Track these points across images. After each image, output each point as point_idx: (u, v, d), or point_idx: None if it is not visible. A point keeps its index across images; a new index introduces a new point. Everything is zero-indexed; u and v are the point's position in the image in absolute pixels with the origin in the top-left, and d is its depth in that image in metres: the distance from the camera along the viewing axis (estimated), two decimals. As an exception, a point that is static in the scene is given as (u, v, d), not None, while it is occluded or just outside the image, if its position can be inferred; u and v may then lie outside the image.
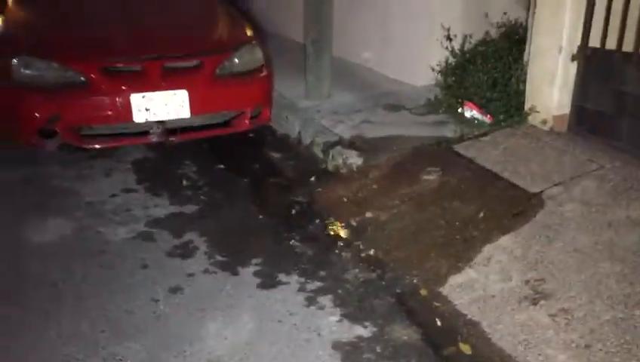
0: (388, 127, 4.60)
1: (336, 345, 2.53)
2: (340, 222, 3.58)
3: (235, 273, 3.06)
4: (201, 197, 3.92)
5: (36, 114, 3.89)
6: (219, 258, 3.19)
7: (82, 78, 3.91)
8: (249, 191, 4.03)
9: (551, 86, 4.04)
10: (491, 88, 4.54)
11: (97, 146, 4.05)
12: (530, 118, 4.23)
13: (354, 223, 3.55)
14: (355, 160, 4.11)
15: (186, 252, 3.25)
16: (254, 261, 3.16)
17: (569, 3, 3.83)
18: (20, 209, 3.67)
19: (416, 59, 5.44)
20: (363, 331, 2.63)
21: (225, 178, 4.24)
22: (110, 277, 2.99)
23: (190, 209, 3.75)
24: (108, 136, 4.06)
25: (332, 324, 2.67)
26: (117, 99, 3.90)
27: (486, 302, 2.75)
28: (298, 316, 2.72)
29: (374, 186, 3.88)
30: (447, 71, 5.02)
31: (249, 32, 4.57)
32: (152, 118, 3.99)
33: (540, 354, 2.42)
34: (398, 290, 2.93)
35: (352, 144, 4.33)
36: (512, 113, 4.35)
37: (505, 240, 3.14)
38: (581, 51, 3.92)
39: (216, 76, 4.18)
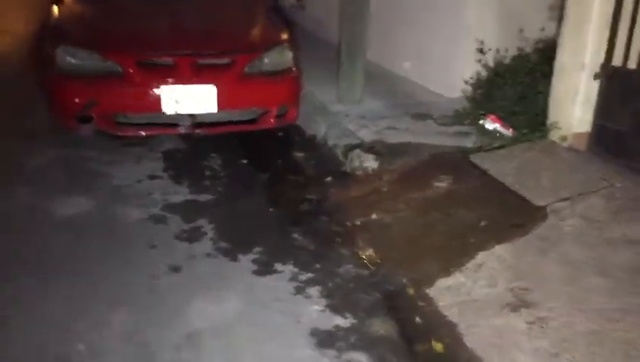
0: (410, 135, 4.68)
1: (314, 332, 2.65)
2: (345, 221, 3.67)
3: (235, 259, 3.22)
4: (219, 188, 4.11)
5: (74, 99, 4.16)
6: (222, 244, 3.36)
7: (119, 69, 4.16)
8: (266, 186, 4.19)
9: (572, 103, 4.04)
10: (516, 102, 4.55)
11: (129, 134, 4.29)
12: (551, 133, 4.23)
13: (358, 223, 3.65)
14: (371, 163, 4.21)
15: (193, 236, 3.43)
16: (255, 249, 3.31)
17: (593, 21, 3.83)
18: (52, 186, 3.94)
19: (451, 71, 5.50)
20: (342, 321, 2.74)
21: (246, 172, 4.42)
22: (117, 252, 3.20)
23: (206, 197, 3.94)
24: (140, 125, 4.29)
25: (314, 313, 2.79)
26: (148, 90, 4.14)
27: (468, 305, 2.81)
28: (283, 302, 2.85)
29: (385, 189, 3.97)
30: (477, 84, 5.05)
31: (284, 35, 4.73)
32: (181, 111, 4.21)
33: (508, 358, 2.46)
34: (386, 287, 3.01)
35: (371, 148, 4.43)
36: (534, 128, 4.35)
37: (500, 249, 3.18)
38: (603, 70, 3.91)
39: (245, 74, 4.36)
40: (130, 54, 4.19)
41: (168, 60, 4.25)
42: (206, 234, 3.46)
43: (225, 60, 4.34)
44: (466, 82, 5.24)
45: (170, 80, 4.16)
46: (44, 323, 2.61)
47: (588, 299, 2.75)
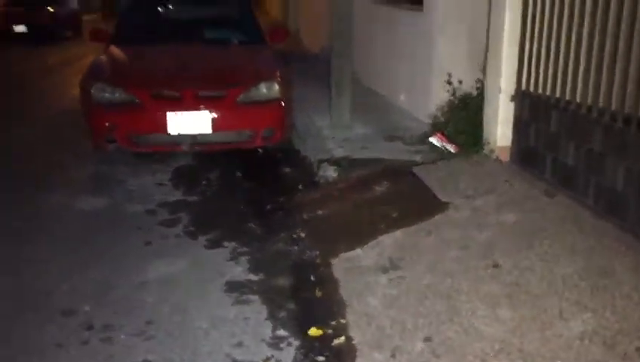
0: (377, 152, 5.58)
1: (229, 282, 3.59)
2: (296, 216, 4.61)
3: (195, 238, 4.23)
4: (208, 192, 5.17)
5: (103, 124, 5.39)
6: (191, 228, 4.38)
7: (137, 101, 5.36)
8: (247, 191, 5.20)
9: (495, 122, 4.82)
10: (465, 124, 5.36)
11: (142, 150, 5.47)
12: (484, 149, 5.00)
13: (305, 217, 4.58)
14: (331, 173, 5.15)
15: (171, 223, 4.48)
16: (213, 233, 4.30)
17: (504, 51, 4.63)
18: (82, 190, 5.15)
19: (428, 100, 6.35)
20: (254, 277, 3.66)
21: (236, 182, 5.46)
22: (112, 231, 4.30)
23: (194, 198, 5.00)
24: (151, 143, 5.46)
25: (236, 272, 3.73)
26: (158, 116, 5.30)
27: (354, 269, 3.66)
28: (217, 265, 3.81)
29: (335, 193, 4.88)
30: (441, 110, 5.88)
31: (273, 73, 5.79)
32: (183, 132, 5.33)
33: (362, 301, 3.30)
34: (301, 258, 3.92)
35: (337, 162, 5.36)
36: (474, 144, 5.14)
37: (398, 233, 4.01)
38: (517, 94, 4.69)
39: (236, 103, 5.45)
40: (146, 89, 5.38)
41: (175, 93, 5.40)
42: (181, 222, 4.50)
43: (220, 93, 5.45)
44: (437, 109, 6.06)
45: (175, 108, 5.30)
46: (54, 269, 3.71)
47: (442, 264, 3.54)
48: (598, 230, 3.64)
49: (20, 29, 17.05)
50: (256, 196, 5.08)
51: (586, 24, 3.82)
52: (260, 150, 5.99)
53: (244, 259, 3.91)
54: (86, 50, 6.37)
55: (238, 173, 5.65)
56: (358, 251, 3.86)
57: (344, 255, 3.85)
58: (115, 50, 6.27)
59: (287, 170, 5.76)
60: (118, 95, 5.42)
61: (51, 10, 17.99)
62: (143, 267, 3.77)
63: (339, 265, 3.72)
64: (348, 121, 6.38)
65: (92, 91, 5.46)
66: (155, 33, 6.60)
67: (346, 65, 6.19)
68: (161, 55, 6.12)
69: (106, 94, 5.44)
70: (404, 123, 6.55)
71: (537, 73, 4.38)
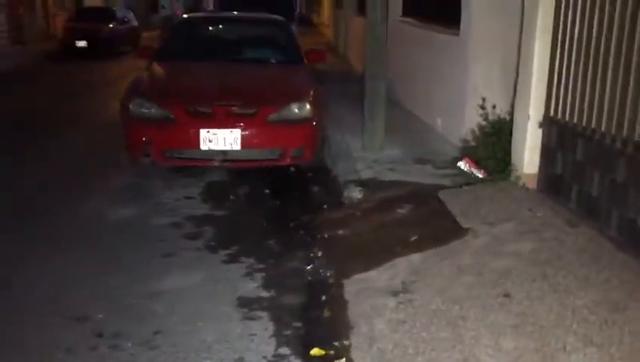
0: (404, 175, 5.58)
1: (240, 298, 3.65)
2: (317, 235, 4.66)
3: (215, 252, 4.32)
4: (234, 208, 5.26)
5: (139, 138, 5.57)
6: (212, 243, 4.48)
7: (172, 116, 5.53)
8: (272, 209, 5.28)
9: (522, 148, 4.76)
10: (496, 150, 5.32)
11: (175, 164, 5.63)
12: (511, 175, 4.95)
13: (326, 236, 4.61)
14: (356, 194, 5.17)
15: (194, 236, 4.58)
16: (233, 248, 4.38)
17: (534, 77, 4.59)
18: (115, 201, 5.32)
19: (463, 124, 6.32)
20: (265, 294, 3.71)
21: (263, 198, 5.54)
22: (135, 242, 4.42)
23: (220, 213, 5.10)
24: (184, 158, 5.61)
25: (250, 287, 3.79)
26: (190, 131, 5.45)
27: (365, 291, 3.67)
28: (232, 280, 3.88)
29: (358, 214, 4.90)
30: (474, 135, 5.85)
31: (307, 93, 5.89)
32: (213, 147, 5.46)
33: (369, 323, 3.30)
34: (315, 277, 3.95)
35: (363, 183, 5.39)
36: (502, 170, 5.09)
37: (414, 256, 4.00)
38: (545, 121, 4.63)
39: (267, 121, 5.55)
40: (180, 105, 5.55)
41: (208, 110, 5.55)
42: (204, 236, 4.60)
43: (251, 110, 5.56)
44: (468, 133, 6.02)
45: (207, 124, 5.44)
46: (77, 275, 3.86)
47: (453, 290, 3.51)
48: (617, 263, 3.54)
49: (82, 43, 17.74)
50: (280, 213, 5.15)
51: (611, 55, 3.76)
52: (292, 168, 6.05)
53: (259, 275, 3.97)
54: (142, 64, 6.66)
55: (267, 190, 5.73)
56: (372, 273, 3.87)
57: (357, 276, 3.86)
58: (156, 66, 6.49)
59: (315, 189, 5.81)
60: (154, 110, 5.59)
61: (111, 26, 18.68)
62: (160, 277, 3.87)
63: (351, 286, 3.73)
64: (380, 143, 6.40)
65: (130, 106, 5.65)
66: (196, 51, 6.81)
67: (380, 88, 6.23)
68: (198, 72, 6.30)
69: (143, 109, 5.62)
70: (437, 146, 6.52)
71: (565, 100, 4.33)
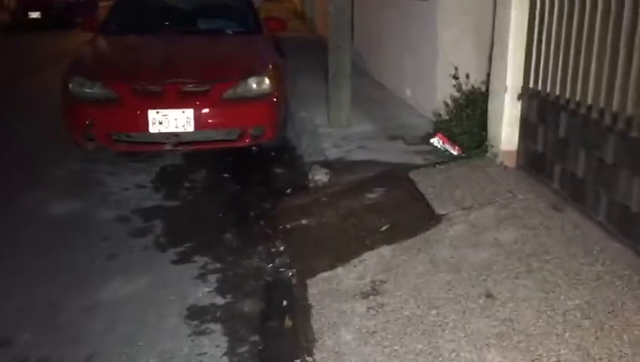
0: (373, 153, 5.16)
1: (191, 307, 3.22)
2: (279, 225, 4.23)
3: (164, 251, 3.87)
4: (189, 196, 4.80)
5: (80, 121, 5.04)
6: (162, 239, 4.02)
7: (116, 96, 5.00)
8: (231, 196, 4.82)
9: (499, 123, 4.36)
10: (470, 123, 4.91)
11: (122, 149, 5.11)
12: (488, 152, 4.55)
13: (288, 226, 4.19)
14: (322, 177, 4.74)
15: (141, 233, 4.12)
16: (186, 244, 3.94)
17: (511, 44, 4.16)
18: (57, 191, 4.80)
19: (433, 95, 5.90)
20: (220, 300, 3.29)
21: (222, 184, 5.08)
22: (75, 242, 3.95)
23: (172, 203, 4.64)
24: (132, 142, 5.10)
25: (201, 293, 3.36)
26: (138, 113, 4.93)
27: (331, 293, 3.27)
28: (182, 284, 3.45)
29: (324, 199, 4.48)
30: (447, 107, 5.43)
31: (266, 66, 5.38)
32: (163, 130, 4.96)
33: (335, 334, 2.90)
34: (275, 277, 3.54)
35: (329, 164, 4.96)
36: (478, 147, 4.69)
37: (385, 249, 3.61)
38: (524, 92, 4.22)
39: (222, 99, 5.06)
40: (125, 83, 5.02)
41: (157, 88, 5.03)
42: (154, 231, 4.14)
43: (204, 88, 5.06)
44: (441, 106, 5.61)
45: (155, 104, 4.93)
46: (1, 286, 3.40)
47: (428, 290, 3.13)
48: (608, 253, 3.19)
49: (35, 15, 16.81)
50: (240, 200, 4.72)
51: (599, 16, 3.34)
52: (255, 148, 5.57)
53: (213, 277, 3.55)
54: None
55: (226, 175, 5.28)
56: (339, 270, 3.47)
57: (323, 274, 3.46)
58: (100, 41, 5.93)
59: (279, 171, 5.38)
60: (97, 90, 5.06)
61: (65, -4, 17.78)
62: (100, 285, 3.43)
63: (315, 287, 3.34)
64: (347, 118, 5.97)
65: (70, 85, 5.11)
66: (145, 23, 6.24)
67: (344, 60, 5.76)
68: (146, 47, 5.76)
69: (85, 89, 5.10)
70: (408, 120, 6.12)
71: (546, 70, 3.92)
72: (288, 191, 4.82)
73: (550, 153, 3.94)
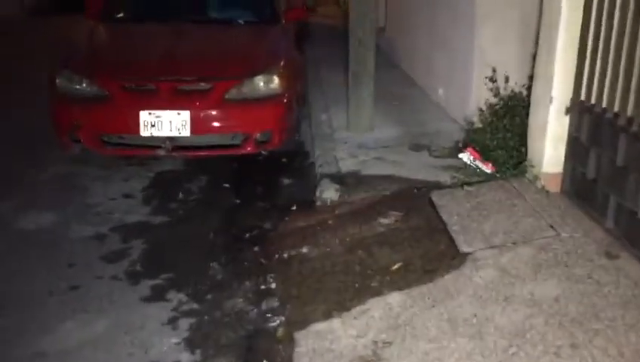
0: (393, 166, 4.50)
1: (154, 363, 2.64)
2: (275, 253, 3.61)
3: (136, 283, 3.30)
4: (180, 211, 4.22)
5: (65, 120, 4.50)
6: (137, 267, 3.45)
7: (106, 94, 4.43)
8: (227, 212, 4.22)
9: (542, 140, 3.65)
10: (507, 136, 4.20)
11: (110, 153, 4.56)
12: (527, 173, 3.84)
13: (285, 255, 3.58)
14: (331, 194, 4.11)
15: (116, 257, 3.56)
16: (163, 275, 3.36)
17: (559, 46, 3.44)
18: (32, 201, 4.27)
19: (467, 99, 5.19)
20: (187, 358, 2.70)
21: (220, 196, 4.49)
22: (37, 266, 3.41)
23: (160, 219, 4.06)
24: (123, 145, 4.53)
25: (167, 346, 2.78)
26: (128, 113, 4.36)
27: (322, 354, 2.65)
28: (146, 331, 2.87)
29: (330, 222, 3.85)
30: (481, 114, 4.72)
31: (276, 63, 4.73)
32: (156, 134, 4.37)
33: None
34: (259, 326, 2.93)
35: (341, 178, 4.32)
36: (516, 165, 3.99)
37: (394, 296, 2.97)
38: (574, 106, 3.49)
39: (223, 100, 4.45)
40: (116, 80, 4.44)
41: (151, 86, 4.44)
42: (130, 256, 3.57)
43: (204, 86, 4.45)
44: (474, 112, 4.90)
45: (147, 104, 4.34)
46: None
47: (440, 360, 2.47)
48: (677, 324, 2.47)
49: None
50: (237, 218, 4.13)
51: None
52: (264, 152, 4.92)
53: (185, 323, 2.96)
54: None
55: (226, 184, 4.67)
56: (336, 322, 2.85)
57: (316, 326, 2.85)
58: (96, 29, 5.37)
59: (286, 181, 4.78)
60: (85, 86, 4.51)
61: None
62: (49, 328, 2.89)
63: (305, 344, 2.73)
64: (367, 122, 5.31)
65: (57, 80, 4.55)
66: (149, 10, 5.63)
67: (368, 58, 5.08)
68: (145, 38, 5.17)
69: (72, 85, 4.54)
70: (437, 125, 5.42)
71: (603, 78, 3.19)
72: (293, 208, 4.20)
73: (604, 182, 3.22)
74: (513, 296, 2.79)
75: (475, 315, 2.71)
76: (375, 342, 2.66)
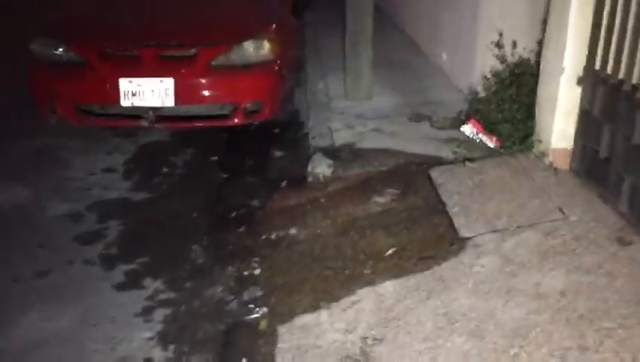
0: (391, 139, 4.21)
1: (123, 360, 2.42)
2: (261, 234, 3.37)
3: (111, 268, 3.07)
4: (164, 186, 3.98)
5: (42, 89, 4.21)
6: (112, 250, 3.22)
7: (82, 60, 4.14)
8: (213, 188, 3.98)
9: (551, 113, 3.35)
10: (514, 108, 3.90)
11: (86, 124, 4.28)
12: (534, 148, 3.55)
13: (273, 237, 3.34)
14: (323, 170, 3.84)
15: (91, 239, 3.33)
16: (139, 260, 3.14)
17: (573, 9, 3.11)
18: (4, 175, 4.01)
19: (474, 65, 4.86)
20: (159, 354, 2.49)
21: (207, 170, 4.24)
22: (5, 250, 3.18)
23: (141, 196, 3.82)
24: (102, 115, 4.25)
25: (138, 341, 2.56)
26: (106, 82, 4.07)
27: (306, 352, 2.43)
28: (116, 325, 2.66)
29: (322, 200, 3.60)
30: (485, 83, 4.40)
31: (267, 27, 4.40)
32: (138, 104, 4.09)
33: None
34: (238, 318, 2.70)
35: (335, 152, 4.04)
36: (522, 139, 3.70)
37: (387, 286, 2.73)
38: (587, 76, 3.18)
39: (210, 67, 4.15)
40: (94, 45, 4.15)
41: (131, 52, 4.15)
42: (106, 237, 3.34)
43: (189, 52, 4.15)
44: (479, 80, 4.58)
45: (128, 72, 4.06)
46: None
47: (435, 360, 2.24)
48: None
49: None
50: (224, 195, 3.88)
51: None
52: (255, 123, 4.63)
53: (160, 314, 2.74)
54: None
55: (214, 157, 4.40)
56: (322, 314, 2.62)
57: (302, 318, 2.62)
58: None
59: (278, 154, 4.51)
60: (62, 52, 4.21)
61: None
62: (11, 320, 2.66)
63: (288, 339, 2.50)
64: (366, 90, 5.00)
65: (32, 46, 4.25)
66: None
67: (364, 19, 4.75)
68: (126, 1, 4.81)
69: (48, 51, 4.24)
70: (440, 94, 5.10)
71: (620, 48, 2.87)
72: (283, 184, 3.93)
73: (618, 162, 2.93)
74: (516, 288, 2.54)
75: (475, 310, 2.46)
76: (364, 339, 2.43)
